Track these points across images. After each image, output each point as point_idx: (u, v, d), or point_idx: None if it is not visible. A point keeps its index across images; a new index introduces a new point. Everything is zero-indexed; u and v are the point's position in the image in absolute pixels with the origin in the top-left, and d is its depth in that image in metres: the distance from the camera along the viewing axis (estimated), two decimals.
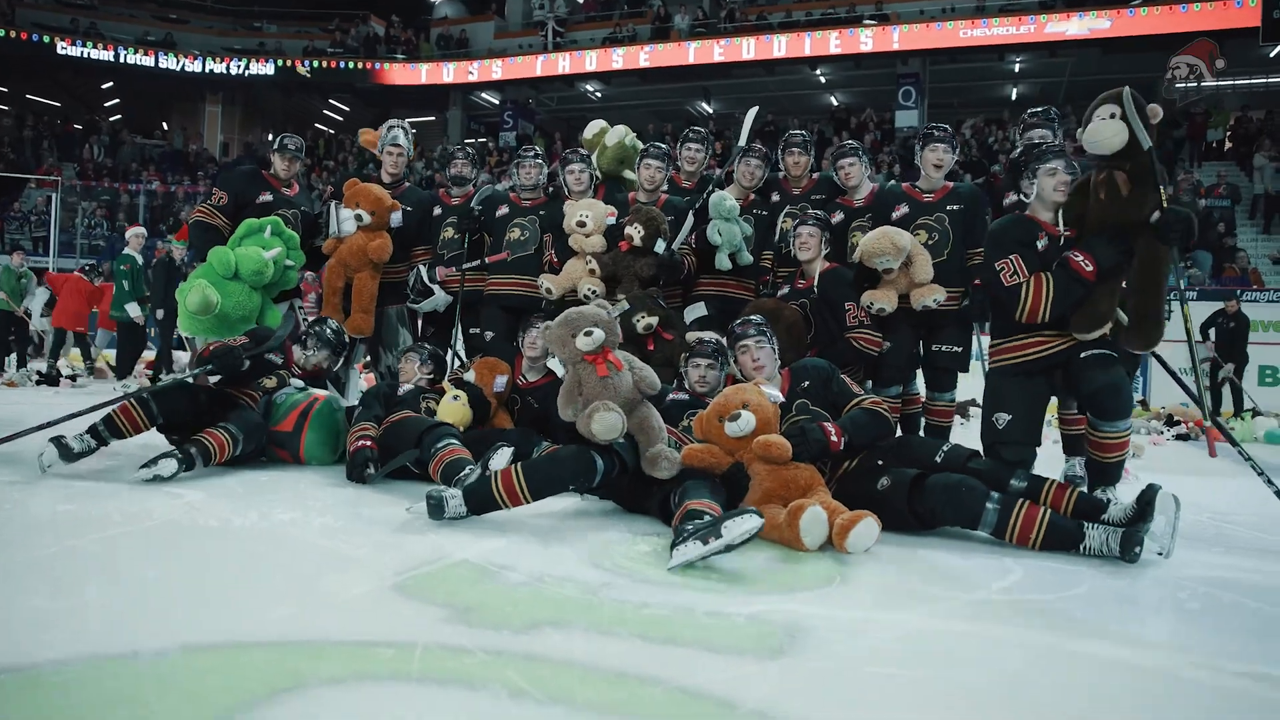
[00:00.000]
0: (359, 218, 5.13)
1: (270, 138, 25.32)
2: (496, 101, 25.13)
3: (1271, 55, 17.82)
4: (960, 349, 4.41)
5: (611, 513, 3.45)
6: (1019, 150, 3.94)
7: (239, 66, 23.47)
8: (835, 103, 23.86)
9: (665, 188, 5.15)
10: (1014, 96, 22.75)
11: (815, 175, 5.13)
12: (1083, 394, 3.34)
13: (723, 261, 4.73)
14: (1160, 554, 2.81)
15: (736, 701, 1.60)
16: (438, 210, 5.50)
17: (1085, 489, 4.13)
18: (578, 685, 1.65)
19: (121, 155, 23.65)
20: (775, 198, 5.09)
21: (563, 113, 26.53)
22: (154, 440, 4.16)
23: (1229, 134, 17.13)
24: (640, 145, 5.36)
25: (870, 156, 18.22)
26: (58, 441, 3.58)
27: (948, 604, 2.33)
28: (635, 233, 4.60)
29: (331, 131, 27.60)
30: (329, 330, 4.63)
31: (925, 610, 2.26)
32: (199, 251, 5.07)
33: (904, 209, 4.47)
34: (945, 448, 3.27)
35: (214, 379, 4.14)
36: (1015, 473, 3.09)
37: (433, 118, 26.96)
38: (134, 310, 9.51)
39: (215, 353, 4.11)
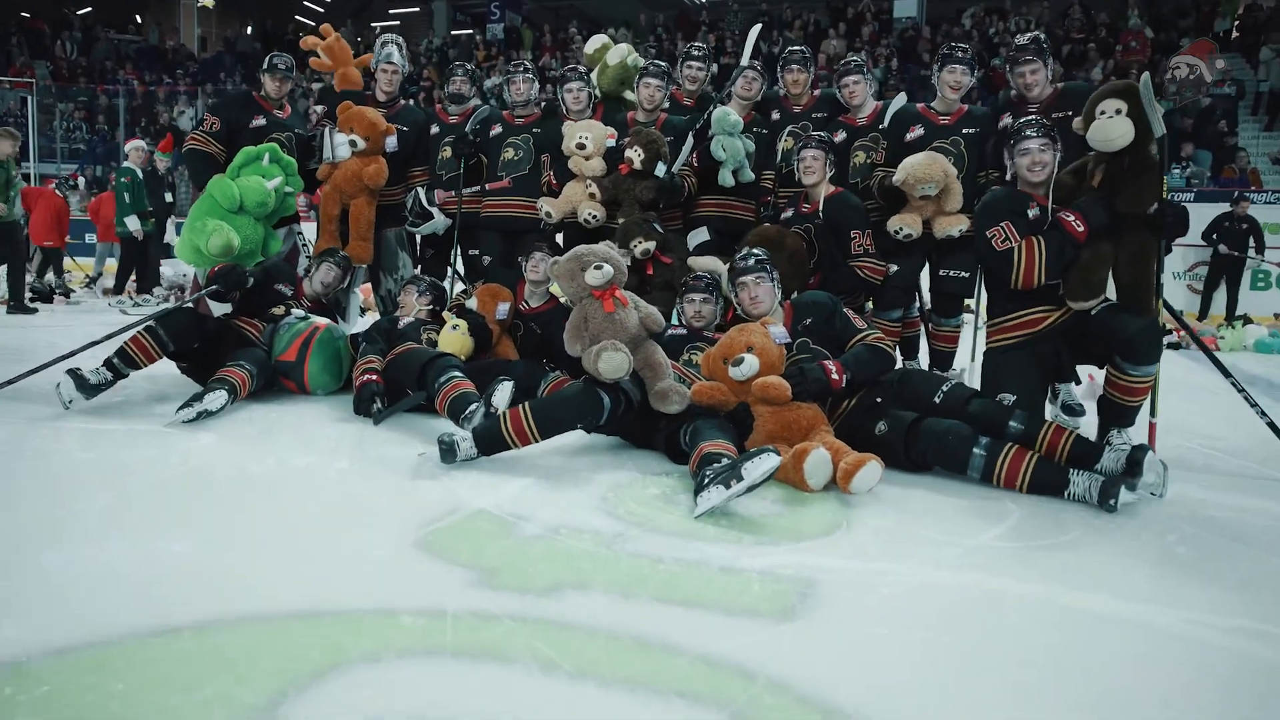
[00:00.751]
0: (353, 143, 5.05)
1: (249, 31, 24.50)
2: None
3: None
4: (968, 274, 4.39)
5: (618, 449, 3.53)
6: (1005, 130, 3.83)
7: None
8: None
9: (666, 106, 5.07)
10: None
11: (816, 93, 5.04)
12: (1117, 341, 3.31)
13: (726, 178, 4.69)
14: (1155, 495, 2.91)
15: (755, 670, 1.69)
16: (435, 129, 5.41)
17: (1080, 416, 4.24)
18: (604, 655, 1.74)
19: (96, 53, 22.85)
20: (775, 116, 5.01)
21: (551, 3, 25.65)
22: (164, 371, 4.22)
23: (1236, 24, 16.67)
24: (642, 63, 5.23)
25: (869, 50, 17.83)
26: (75, 374, 3.64)
27: (949, 551, 2.43)
28: (635, 155, 4.56)
29: (312, 24, 26.63)
30: (339, 253, 4.71)
31: (927, 559, 2.36)
32: (197, 182, 5.01)
33: (919, 130, 4.42)
34: (945, 388, 3.29)
35: (220, 309, 4.14)
36: (1014, 414, 3.14)
37: (417, 9, 26.06)
38: (133, 224, 9.45)
39: (220, 271, 4.14)
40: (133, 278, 9.88)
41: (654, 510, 2.72)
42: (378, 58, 5.38)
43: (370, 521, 2.55)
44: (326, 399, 4.25)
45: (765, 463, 2.61)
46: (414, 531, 2.42)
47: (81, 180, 14.78)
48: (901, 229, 4.20)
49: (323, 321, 4.33)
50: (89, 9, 26.08)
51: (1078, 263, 3.33)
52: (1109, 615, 2.03)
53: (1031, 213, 3.45)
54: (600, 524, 2.55)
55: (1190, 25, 16.64)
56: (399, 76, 5.41)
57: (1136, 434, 3.53)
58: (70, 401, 3.62)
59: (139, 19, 26.25)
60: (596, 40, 5.51)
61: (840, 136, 4.68)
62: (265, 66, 5.15)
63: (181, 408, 3.58)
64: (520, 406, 3.20)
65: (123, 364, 3.82)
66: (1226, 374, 3.61)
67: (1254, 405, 3.48)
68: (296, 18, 26.87)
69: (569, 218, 4.80)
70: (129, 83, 21.05)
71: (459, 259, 5.48)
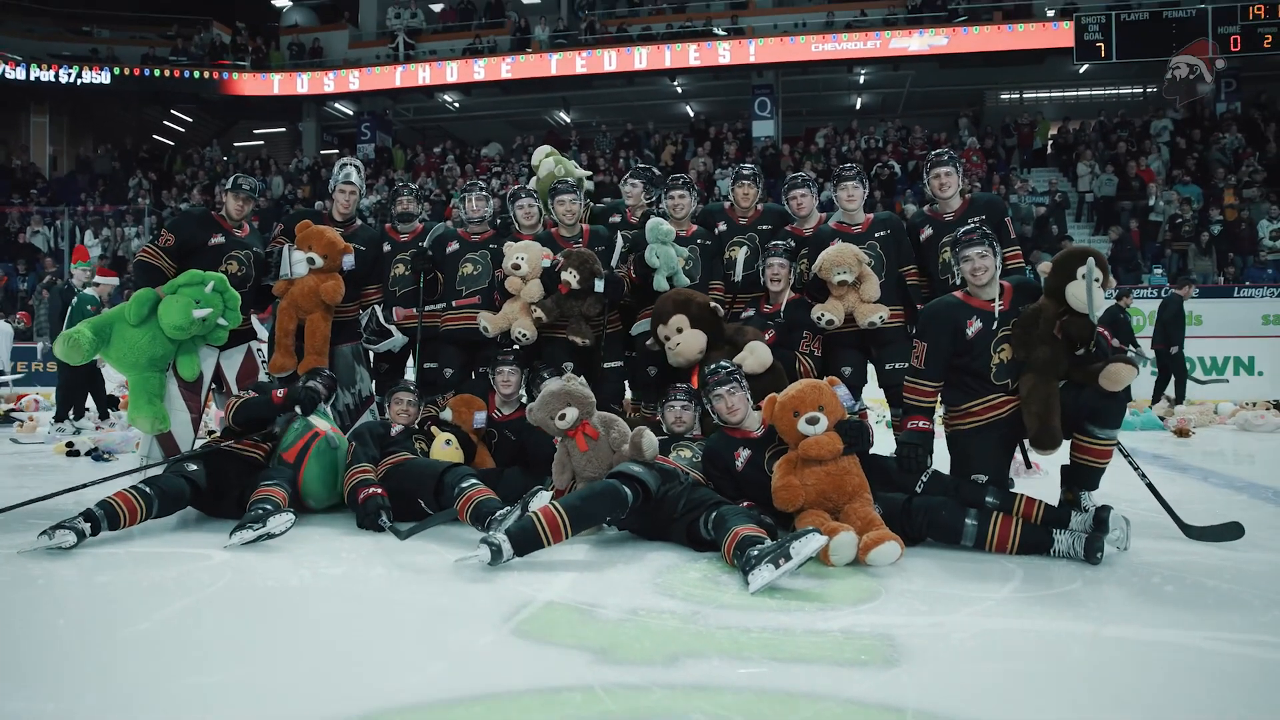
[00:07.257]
0: (311, 260, 5.11)
1: (103, 150, 23.73)
2: (351, 112, 24.52)
3: (1080, 72, 19.94)
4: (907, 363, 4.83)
5: (633, 542, 3.68)
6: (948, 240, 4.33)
7: (69, 75, 21.87)
8: (692, 112, 24.64)
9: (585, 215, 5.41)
10: (859, 105, 24.21)
11: (761, 206, 5.46)
12: (1087, 410, 3.60)
13: (660, 283, 4.95)
14: (1120, 548, 3.34)
15: (900, 705, 1.94)
16: (387, 247, 5.55)
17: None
18: (766, 707, 1.93)
19: None
20: (721, 227, 5.37)
21: (419, 123, 26.18)
22: None
23: (1051, 142, 18.88)
24: (573, 169, 5.60)
25: (733, 166, 19.06)
26: (74, 527, 3.39)
27: (986, 603, 2.75)
28: (571, 278, 4.77)
29: (172, 144, 26.15)
30: (323, 376, 4.69)
31: (975, 611, 2.67)
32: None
33: (839, 244, 4.89)
34: (924, 478, 3.67)
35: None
36: (989, 489, 3.57)
37: (284, 129, 26.09)
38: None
39: (238, 409, 4.25)
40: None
41: (708, 590, 2.92)
42: (335, 179, 5.52)
43: (449, 620, 2.65)
44: (322, 515, 4.20)
45: (812, 542, 2.88)
46: (499, 625, 2.54)
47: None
48: (824, 315, 4.60)
49: (324, 428, 4.29)
50: None
51: (1034, 413, 3.60)
52: (1152, 640, 2.40)
53: (970, 329, 3.80)
54: (670, 605, 2.73)
55: (1014, 144, 18.72)
56: (356, 197, 5.53)
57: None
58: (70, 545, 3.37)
59: None
60: (541, 151, 5.87)
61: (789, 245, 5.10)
62: (229, 186, 5.17)
63: (236, 530, 3.48)
64: (551, 506, 3.36)
65: (106, 521, 3.50)
66: (1125, 454, 3.91)
67: (1151, 488, 3.88)
68: (155, 137, 26.32)
69: (504, 335, 5.01)
70: None
71: (415, 374, 5.56)
